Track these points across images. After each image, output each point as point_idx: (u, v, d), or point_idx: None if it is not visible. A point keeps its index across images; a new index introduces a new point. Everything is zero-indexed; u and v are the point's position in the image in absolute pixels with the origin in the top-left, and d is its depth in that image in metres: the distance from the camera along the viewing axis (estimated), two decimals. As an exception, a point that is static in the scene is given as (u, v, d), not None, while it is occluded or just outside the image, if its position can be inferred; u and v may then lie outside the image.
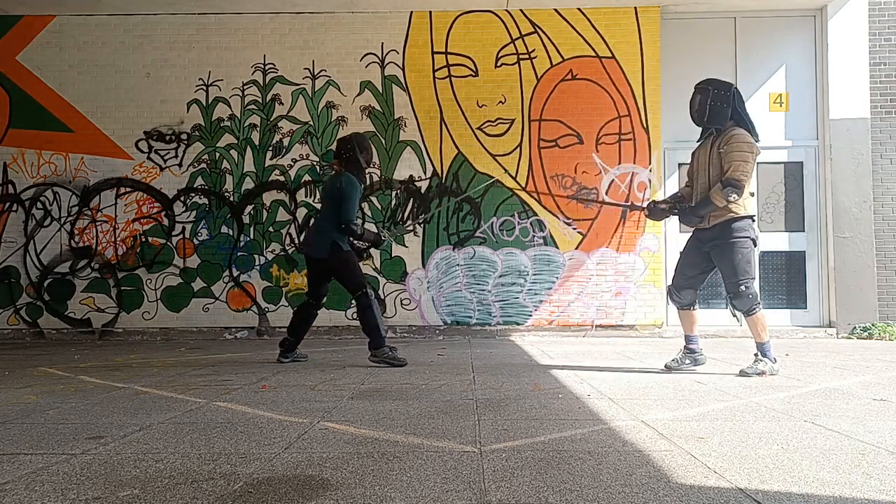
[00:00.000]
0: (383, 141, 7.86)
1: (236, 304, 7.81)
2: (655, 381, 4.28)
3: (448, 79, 7.87)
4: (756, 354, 4.48)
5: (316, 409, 3.36)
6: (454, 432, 2.81)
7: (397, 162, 7.84)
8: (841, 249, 7.61)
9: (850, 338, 7.44)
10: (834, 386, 4.05)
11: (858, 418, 3.06)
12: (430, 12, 7.89)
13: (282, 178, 7.88)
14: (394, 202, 7.83)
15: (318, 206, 7.36)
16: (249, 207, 7.87)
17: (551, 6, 7.81)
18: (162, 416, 3.21)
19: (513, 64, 7.87)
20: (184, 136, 7.92)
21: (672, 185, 7.74)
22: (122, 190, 7.92)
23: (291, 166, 7.88)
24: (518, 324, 7.71)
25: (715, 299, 7.59)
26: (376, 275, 7.76)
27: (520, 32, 7.88)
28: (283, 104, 7.92)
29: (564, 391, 3.86)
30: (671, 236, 7.82)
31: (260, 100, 7.93)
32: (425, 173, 7.83)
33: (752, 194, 4.56)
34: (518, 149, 7.81)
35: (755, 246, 4.51)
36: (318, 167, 7.85)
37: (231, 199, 7.89)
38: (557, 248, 7.74)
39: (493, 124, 7.83)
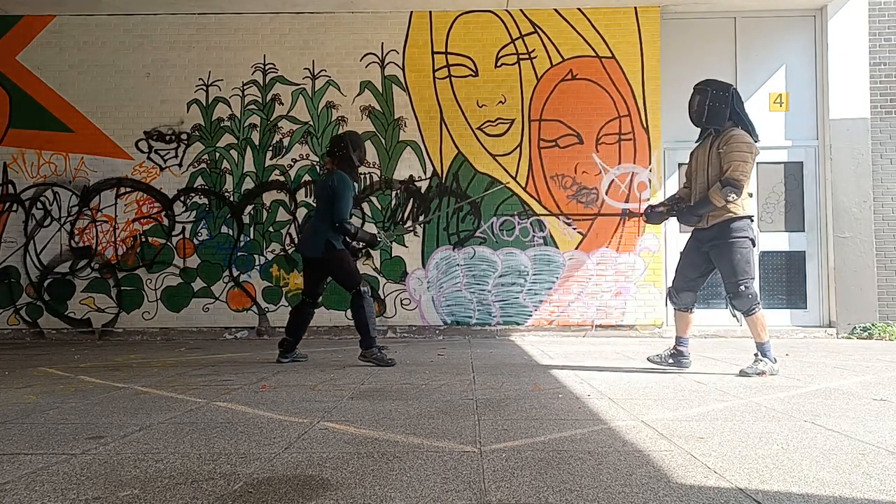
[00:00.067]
0: (383, 141, 7.86)
1: (236, 304, 7.81)
2: (655, 381, 4.28)
3: (448, 79, 7.88)
4: (756, 354, 4.48)
5: (316, 409, 3.36)
6: (454, 432, 2.81)
7: (397, 162, 7.84)
8: (841, 249, 7.61)
9: (850, 338, 7.45)
10: (834, 386, 4.05)
11: (858, 418, 3.06)
12: (430, 12, 7.89)
13: (282, 178, 7.88)
14: (394, 202, 7.83)
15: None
16: (249, 207, 7.88)
17: (551, 6, 7.81)
18: (162, 416, 3.21)
19: (513, 64, 7.87)
20: (184, 136, 7.92)
21: (672, 185, 7.74)
22: (122, 190, 7.92)
23: (291, 166, 7.88)
24: (518, 324, 7.71)
25: (715, 299, 7.59)
26: (376, 275, 7.76)
27: (520, 32, 7.89)
28: (283, 104, 7.93)
29: (564, 391, 3.86)
30: (671, 236, 7.82)
31: (260, 100, 7.93)
32: (425, 173, 7.83)
33: (750, 195, 4.56)
34: (518, 149, 7.81)
35: (754, 246, 4.52)
36: (318, 167, 7.85)
37: (231, 199, 7.89)
38: (557, 248, 7.74)
39: (493, 124, 7.83)
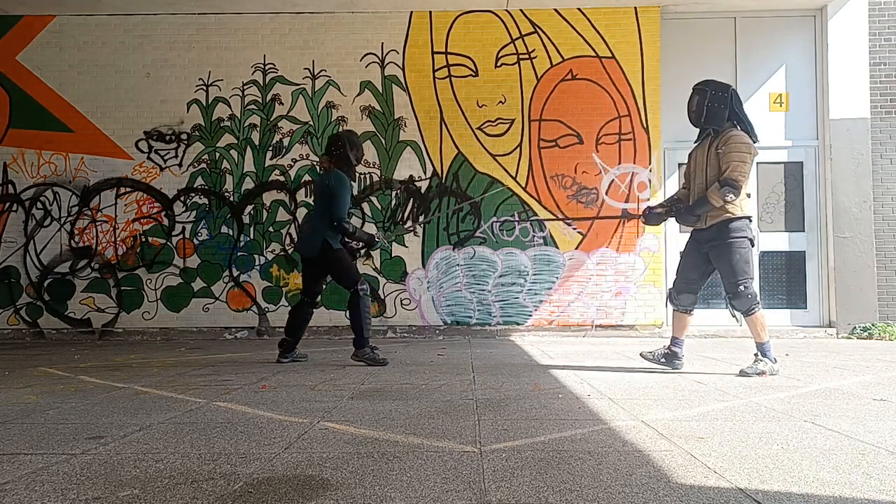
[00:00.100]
0: (383, 141, 7.86)
1: (236, 304, 7.81)
2: (655, 381, 4.27)
3: (448, 79, 7.88)
4: (756, 354, 4.49)
5: (316, 409, 3.36)
6: (454, 432, 2.81)
7: (397, 162, 7.84)
8: (841, 249, 7.61)
9: (850, 338, 7.45)
10: (834, 386, 4.05)
11: (858, 418, 3.06)
12: (430, 12, 7.89)
13: (282, 178, 7.88)
14: (394, 202, 7.83)
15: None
16: (249, 207, 7.88)
17: (551, 6, 7.81)
18: (162, 416, 3.21)
19: (513, 64, 7.87)
20: (184, 136, 7.92)
21: (672, 185, 7.74)
22: (122, 190, 7.92)
23: (291, 166, 7.88)
24: (518, 324, 7.71)
25: (715, 299, 7.59)
26: (376, 275, 7.76)
27: (520, 32, 7.89)
28: (283, 104, 7.93)
29: (564, 391, 3.86)
30: (671, 236, 7.82)
31: (260, 100, 7.93)
32: (425, 173, 7.83)
33: (748, 195, 4.56)
34: (518, 149, 7.81)
35: (753, 246, 4.52)
36: (317, 167, 7.84)
37: (231, 199, 7.89)
38: (557, 248, 7.75)
39: (493, 124, 7.83)
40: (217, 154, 7.91)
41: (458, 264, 7.77)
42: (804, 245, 7.83)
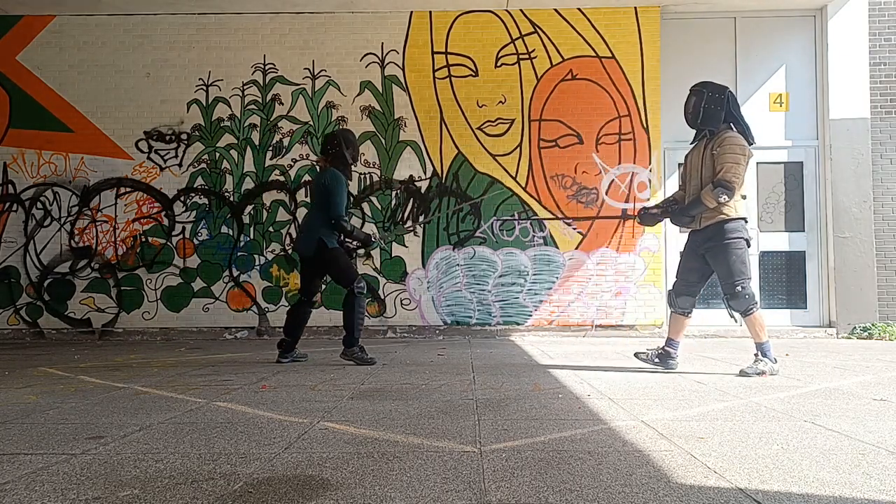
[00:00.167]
0: (383, 141, 7.86)
1: (236, 304, 7.81)
2: (655, 381, 4.28)
3: (448, 79, 7.88)
4: (756, 354, 4.49)
5: (316, 409, 3.36)
6: (454, 432, 2.81)
7: (397, 162, 7.84)
8: (841, 249, 7.61)
9: (850, 338, 7.45)
10: (834, 386, 4.05)
11: (858, 418, 3.06)
12: (430, 12, 7.89)
13: (282, 178, 7.88)
14: (394, 202, 7.83)
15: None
16: (249, 207, 7.88)
17: (551, 6, 7.81)
18: (162, 416, 3.21)
19: (513, 64, 7.87)
20: (184, 136, 7.92)
21: (672, 185, 7.74)
22: (122, 190, 7.92)
23: (291, 166, 7.88)
24: (518, 324, 7.71)
25: (715, 299, 7.58)
26: (376, 275, 7.76)
27: (520, 32, 7.89)
28: (283, 104, 7.93)
29: (564, 391, 3.86)
30: (671, 236, 7.82)
31: (260, 100, 7.93)
32: (425, 173, 7.83)
33: (743, 197, 4.58)
34: (518, 149, 7.81)
35: (749, 246, 4.53)
36: (316, 166, 7.84)
37: (231, 199, 7.89)
38: (557, 248, 7.75)
39: (493, 124, 7.83)
40: (217, 154, 7.91)
41: (458, 264, 7.77)
42: (804, 245, 7.83)
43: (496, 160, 7.80)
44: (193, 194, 7.90)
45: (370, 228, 7.72)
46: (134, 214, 7.90)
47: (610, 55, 7.82)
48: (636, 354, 4.89)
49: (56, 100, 7.94)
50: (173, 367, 5.13)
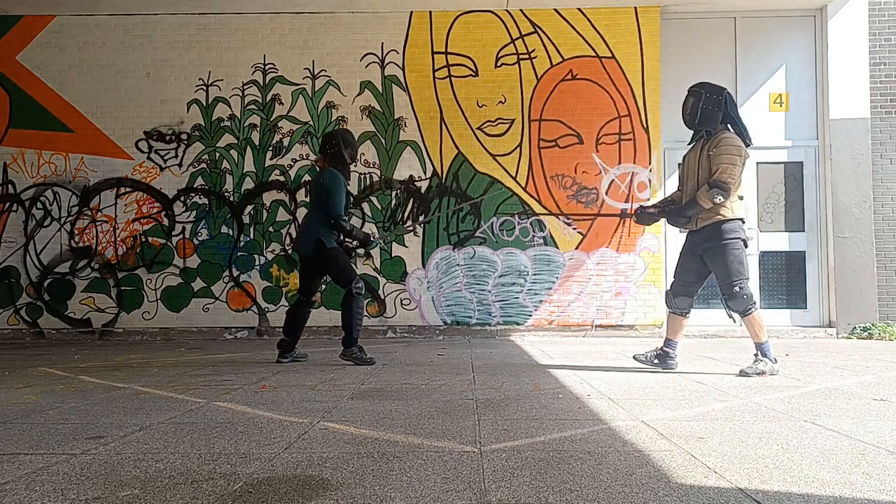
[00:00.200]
0: (383, 141, 7.86)
1: (236, 304, 7.81)
2: (655, 381, 4.28)
3: (448, 79, 7.88)
4: (756, 354, 4.49)
5: (316, 409, 3.36)
6: (454, 432, 2.81)
7: (397, 162, 7.84)
8: (841, 249, 7.61)
9: (850, 338, 7.45)
10: (834, 386, 4.05)
11: (858, 418, 3.06)
12: (430, 12, 7.89)
13: (282, 178, 7.88)
14: (394, 202, 7.84)
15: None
16: (249, 207, 7.88)
17: (551, 6, 7.81)
18: (162, 416, 3.21)
19: (513, 64, 7.87)
20: (184, 136, 7.92)
21: (672, 185, 7.73)
22: (122, 190, 7.92)
23: (291, 166, 7.88)
24: (518, 324, 7.71)
25: (715, 299, 7.57)
26: (376, 275, 7.76)
27: (520, 32, 7.89)
28: (283, 104, 7.93)
29: (564, 391, 3.86)
30: (671, 236, 7.82)
31: (260, 100, 7.93)
32: (425, 173, 7.83)
33: (740, 198, 4.59)
34: (518, 149, 7.81)
35: (746, 247, 4.54)
36: (315, 166, 7.84)
37: (231, 199, 7.89)
38: (557, 248, 7.75)
39: (493, 124, 7.83)
40: (217, 154, 7.91)
41: (458, 264, 7.77)
42: (804, 245, 7.83)
43: (496, 160, 7.81)
44: (193, 194, 7.90)
45: (370, 228, 7.72)
46: (134, 214, 7.90)
47: (610, 55, 7.82)
48: (635, 357, 4.89)
49: (56, 100, 7.94)
50: (173, 367, 5.13)
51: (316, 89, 7.92)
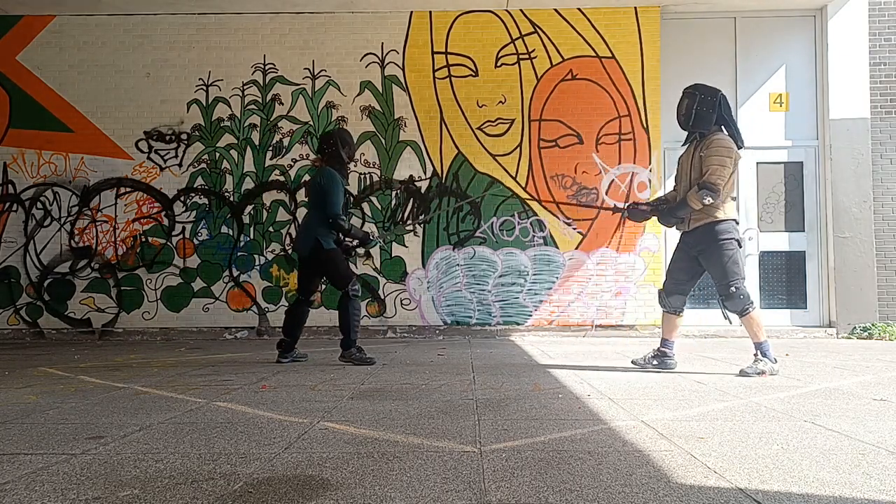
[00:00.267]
0: (383, 141, 7.86)
1: (236, 304, 7.81)
2: (655, 381, 4.28)
3: (448, 79, 7.88)
4: (756, 354, 4.49)
5: (316, 409, 3.36)
6: (454, 432, 2.81)
7: (397, 162, 7.84)
8: (841, 249, 7.61)
9: (850, 338, 7.45)
10: (834, 386, 4.05)
11: (858, 418, 3.06)
12: (430, 12, 7.89)
13: (282, 178, 7.88)
14: (394, 202, 7.84)
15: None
16: (249, 207, 7.88)
17: (551, 6, 7.81)
18: (162, 416, 3.21)
19: (513, 64, 7.87)
20: (184, 136, 7.92)
21: (672, 186, 7.73)
22: (122, 190, 7.92)
23: (291, 166, 7.88)
24: (518, 324, 7.71)
25: (714, 299, 7.55)
26: (376, 275, 7.76)
27: (520, 32, 7.89)
28: (283, 104, 7.93)
29: (564, 391, 3.86)
30: (671, 236, 7.81)
31: (260, 100, 7.93)
32: (425, 173, 7.83)
33: (733, 199, 4.61)
34: (518, 149, 7.81)
35: (740, 247, 4.56)
36: (314, 166, 7.84)
37: (231, 199, 7.89)
38: (557, 248, 7.75)
39: (493, 124, 7.83)
40: (217, 154, 7.92)
41: (458, 264, 7.77)
42: (804, 245, 7.83)
43: (496, 160, 7.81)
44: (193, 194, 7.90)
45: (370, 228, 7.72)
46: (134, 214, 7.90)
47: (610, 55, 7.82)
48: (633, 362, 4.90)
49: (56, 100, 7.94)
50: (173, 367, 5.13)
51: (316, 89, 7.93)
